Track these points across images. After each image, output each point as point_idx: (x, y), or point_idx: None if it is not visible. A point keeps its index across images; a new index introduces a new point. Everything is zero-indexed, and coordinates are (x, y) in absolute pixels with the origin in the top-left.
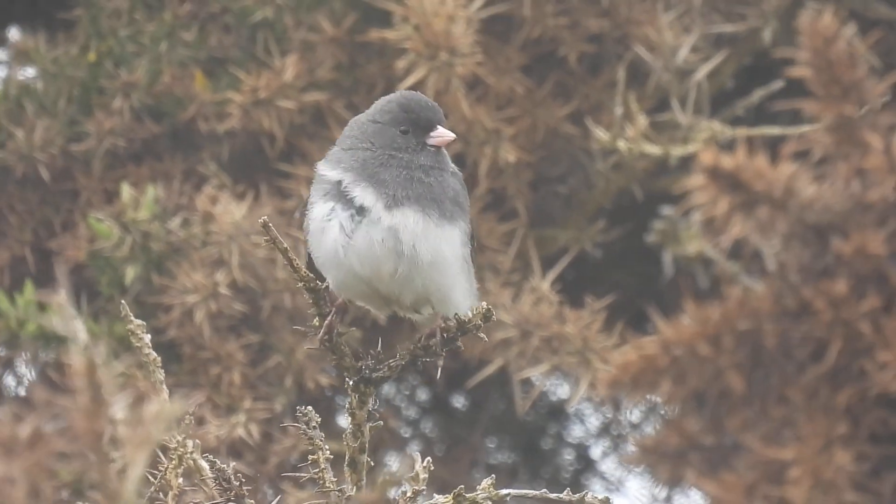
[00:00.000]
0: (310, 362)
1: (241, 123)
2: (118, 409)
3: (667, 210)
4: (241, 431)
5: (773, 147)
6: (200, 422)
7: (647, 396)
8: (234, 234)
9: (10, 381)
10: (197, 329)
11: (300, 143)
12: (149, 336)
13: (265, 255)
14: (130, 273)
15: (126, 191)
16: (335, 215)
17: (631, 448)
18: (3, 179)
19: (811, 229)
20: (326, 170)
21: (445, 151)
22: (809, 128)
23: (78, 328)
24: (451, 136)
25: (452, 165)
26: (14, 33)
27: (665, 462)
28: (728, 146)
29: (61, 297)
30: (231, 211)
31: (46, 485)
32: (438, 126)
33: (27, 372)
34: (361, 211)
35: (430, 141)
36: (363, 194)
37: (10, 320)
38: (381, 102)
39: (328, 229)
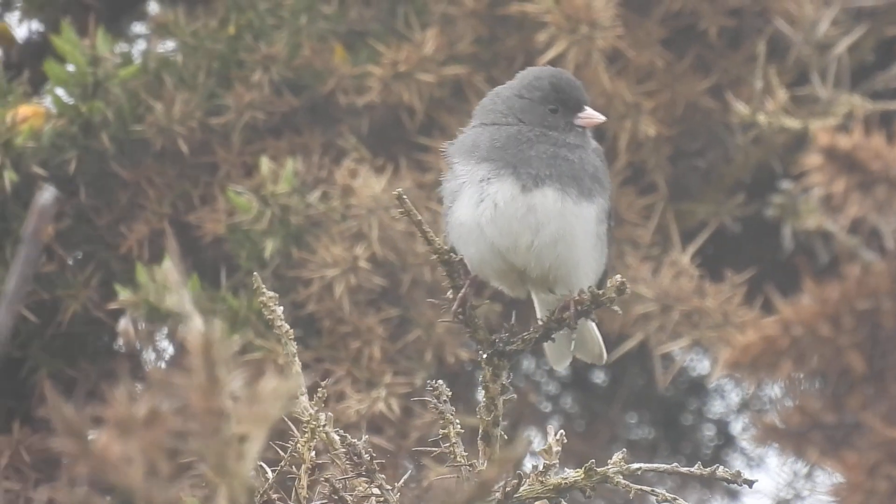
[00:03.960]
0: (449, 336)
1: (380, 97)
2: (236, 386)
3: (785, 184)
4: (381, 406)
5: (890, 126)
6: (341, 397)
7: (782, 376)
8: (373, 208)
9: (150, 356)
10: (336, 303)
11: (440, 116)
12: (281, 308)
13: (404, 228)
14: (269, 246)
15: (265, 164)
16: (477, 192)
17: (756, 427)
18: (142, 153)
19: None
20: (464, 152)
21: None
22: None
23: (185, 301)
24: (600, 118)
25: (594, 141)
26: (153, 6)
27: (789, 441)
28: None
29: (168, 268)
30: (370, 184)
31: (164, 464)
32: (586, 106)
33: (168, 346)
34: (504, 189)
35: (578, 121)
36: (506, 173)
37: (148, 294)
38: (529, 78)
39: (470, 205)
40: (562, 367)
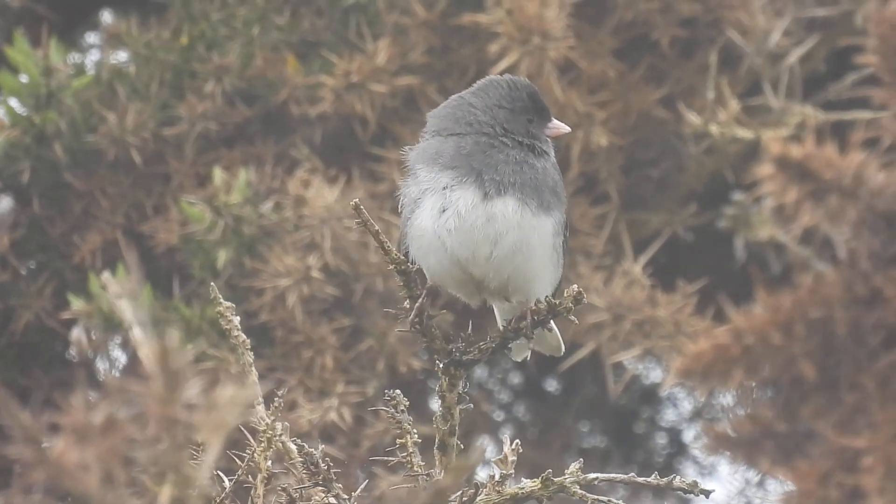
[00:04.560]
0: (402, 346)
1: (333, 107)
2: (191, 393)
3: (738, 195)
4: (333, 415)
5: (842, 136)
6: (293, 406)
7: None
8: (326, 218)
9: (103, 365)
10: (289, 313)
11: (392, 126)
12: (238, 318)
13: (357, 238)
14: (222, 257)
15: (218, 174)
16: (440, 201)
17: (708, 436)
18: (95, 163)
19: (881, 217)
20: (427, 159)
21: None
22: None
23: (125, 308)
24: (566, 129)
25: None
26: (107, 17)
27: (740, 450)
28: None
29: (106, 276)
30: (323, 195)
31: (120, 471)
32: (553, 117)
33: (121, 355)
34: (465, 197)
35: (548, 132)
36: (469, 180)
37: (101, 304)
38: (504, 88)
39: (432, 214)
40: (520, 359)
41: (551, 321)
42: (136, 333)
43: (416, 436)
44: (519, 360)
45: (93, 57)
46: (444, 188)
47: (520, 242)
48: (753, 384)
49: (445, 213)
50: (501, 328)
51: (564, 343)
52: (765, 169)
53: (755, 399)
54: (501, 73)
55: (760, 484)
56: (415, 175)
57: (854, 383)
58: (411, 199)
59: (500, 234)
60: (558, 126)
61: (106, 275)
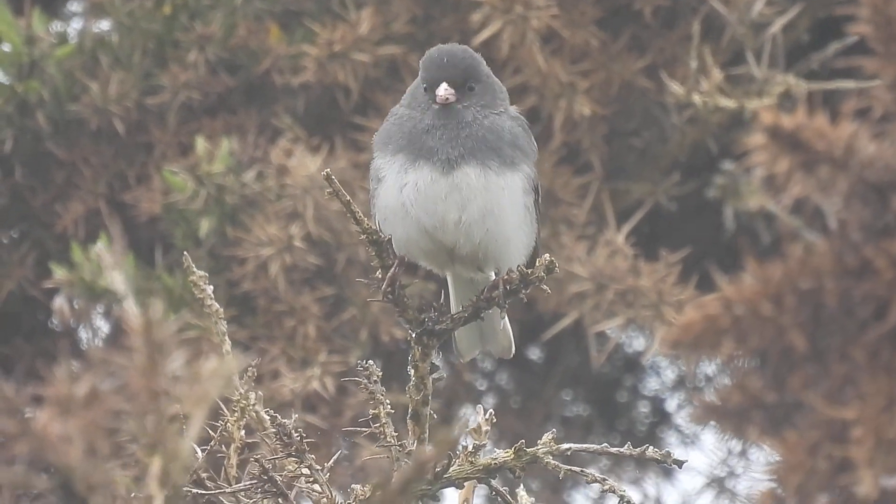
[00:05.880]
0: (384, 315)
1: (315, 77)
2: (175, 365)
3: (727, 165)
4: (316, 385)
5: (834, 105)
6: (276, 375)
7: (723, 355)
8: (308, 188)
9: (86, 334)
10: (272, 282)
11: (375, 96)
12: (212, 287)
13: (339, 208)
14: (205, 226)
15: (200, 144)
16: (400, 180)
17: (695, 405)
18: (77, 132)
19: (872, 188)
20: (381, 144)
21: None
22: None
23: (117, 279)
24: (442, 94)
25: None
26: None
27: (728, 420)
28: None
29: (101, 248)
30: (306, 164)
31: (103, 443)
32: (443, 83)
33: (103, 325)
34: (423, 175)
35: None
36: (422, 161)
37: (84, 273)
38: (423, 61)
39: (394, 190)
40: (469, 358)
41: (523, 295)
42: (129, 305)
43: (389, 406)
44: (467, 359)
45: (75, 26)
46: (398, 172)
47: (489, 204)
48: (741, 353)
49: (406, 187)
50: (474, 298)
51: (546, 312)
52: (756, 139)
53: (743, 369)
54: (481, 42)
55: (743, 454)
56: (374, 160)
57: (843, 354)
58: (375, 178)
59: (466, 200)
60: (438, 93)
61: (99, 246)
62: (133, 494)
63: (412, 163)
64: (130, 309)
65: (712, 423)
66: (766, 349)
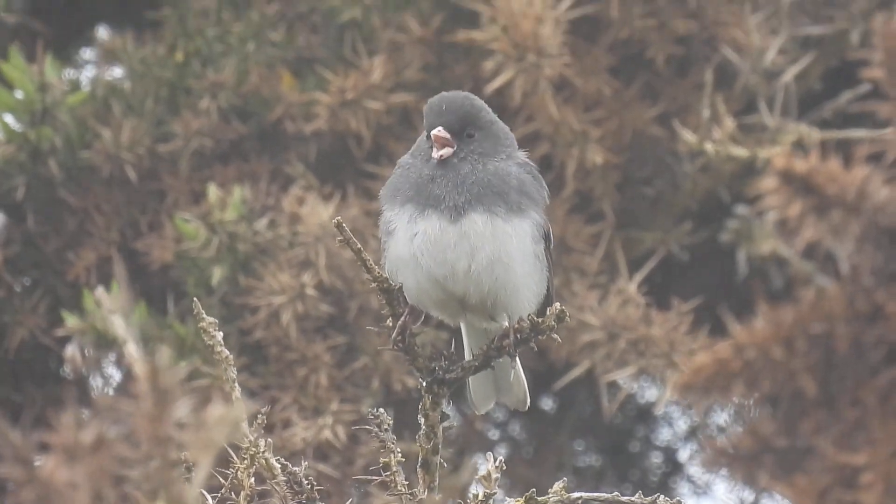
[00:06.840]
0: (396, 364)
1: (328, 124)
2: (181, 411)
3: (740, 209)
4: (327, 433)
5: (847, 150)
6: (287, 424)
7: (734, 399)
8: (320, 236)
9: (97, 382)
10: (284, 330)
11: (387, 143)
12: (221, 334)
13: (351, 256)
14: (217, 274)
15: (213, 191)
16: (410, 230)
17: (707, 451)
18: (89, 179)
19: (884, 232)
20: (389, 196)
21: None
22: (882, 131)
23: (117, 323)
24: (436, 154)
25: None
26: (102, 33)
27: (739, 465)
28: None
29: (102, 293)
30: (318, 212)
31: (110, 490)
32: (437, 128)
33: (115, 373)
34: (431, 224)
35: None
36: (430, 211)
37: (96, 321)
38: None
39: (405, 240)
40: (484, 410)
41: (517, 358)
42: (130, 349)
43: (400, 454)
44: (482, 412)
45: (88, 73)
46: (408, 221)
47: (497, 251)
48: (752, 399)
49: (417, 237)
50: (485, 347)
51: (558, 361)
52: (768, 182)
53: (754, 414)
54: (493, 91)
55: (755, 503)
56: (382, 213)
57: (854, 399)
58: (385, 231)
59: (475, 248)
60: (434, 136)
61: (100, 290)
62: None
63: (421, 212)
64: (131, 353)
65: (723, 469)
66: (777, 393)
